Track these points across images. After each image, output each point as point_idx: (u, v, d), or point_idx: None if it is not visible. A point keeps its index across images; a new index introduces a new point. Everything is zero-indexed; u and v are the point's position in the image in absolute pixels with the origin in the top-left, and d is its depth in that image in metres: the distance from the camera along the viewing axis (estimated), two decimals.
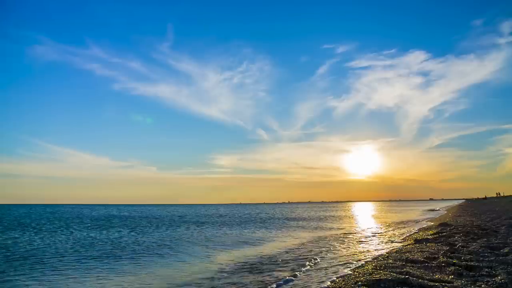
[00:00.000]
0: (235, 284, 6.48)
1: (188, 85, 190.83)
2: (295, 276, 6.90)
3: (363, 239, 13.24)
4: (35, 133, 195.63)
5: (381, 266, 5.86)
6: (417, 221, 22.95)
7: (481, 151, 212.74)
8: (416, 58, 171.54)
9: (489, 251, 6.83)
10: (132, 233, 17.24)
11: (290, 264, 8.27)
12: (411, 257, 6.73)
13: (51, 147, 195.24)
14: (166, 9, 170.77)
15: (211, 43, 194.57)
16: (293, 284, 6.27)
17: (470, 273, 5.21)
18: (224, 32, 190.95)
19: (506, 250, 6.77)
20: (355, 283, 4.88)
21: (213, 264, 8.74)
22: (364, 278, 5.04)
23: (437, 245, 8.34)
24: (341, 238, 13.85)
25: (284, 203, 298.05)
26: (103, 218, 33.01)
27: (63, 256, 10.03)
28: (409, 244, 9.59)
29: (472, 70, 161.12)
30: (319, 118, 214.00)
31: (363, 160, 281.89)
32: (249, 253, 10.54)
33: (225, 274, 7.38)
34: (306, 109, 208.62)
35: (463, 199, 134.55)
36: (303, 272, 7.22)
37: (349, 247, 10.98)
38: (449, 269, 5.51)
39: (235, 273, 7.43)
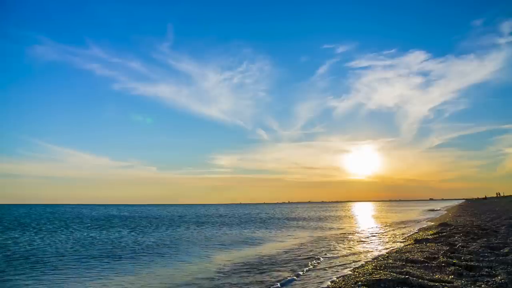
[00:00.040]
0: (235, 284, 6.48)
1: (188, 85, 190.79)
2: (295, 276, 6.90)
3: (363, 239, 13.24)
4: (35, 133, 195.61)
5: (381, 266, 5.86)
6: (417, 221, 22.96)
7: (481, 151, 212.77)
8: (416, 58, 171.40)
9: (489, 251, 6.83)
10: (132, 233, 17.24)
11: (290, 264, 8.27)
12: (411, 257, 6.73)
13: (51, 147, 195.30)
14: (166, 9, 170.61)
15: (211, 43, 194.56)
16: (294, 285, 6.27)
17: (470, 273, 5.21)
18: (224, 32, 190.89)
19: (506, 250, 6.77)
20: (355, 283, 4.89)
21: (213, 264, 8.74)
22: (364, 278, 5.04)
23: (437, 245, 8.34)
24: (341, 238, 13.85)
25: (284, 203, 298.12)
26: (103, 218, 33.01)
27: (63, 256, 10.03)
28: (409, 244, 9.59)
29: (472, 70, 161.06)
30: (319, 118, 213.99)
31: (363, 160, 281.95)
32: (249, 253, 10.54)
33: (225, 274, 7.37)
34: (306, 109, 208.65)
35: (463, 199, 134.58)
36: (304, 272, 7.22)
37: (349, 247, 10.98)
38: (449, 269, 5.51)
39: (235, 273, 7.43)
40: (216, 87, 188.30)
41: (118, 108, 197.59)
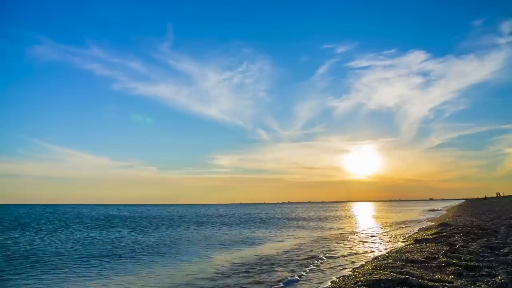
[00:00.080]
0: (235, 284, 6.48)
1: (188, 85, 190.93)
2: (298, 276, 6.90)
3: (363, 239, 13.24)
4: (35, 133, 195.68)
5: (381, 266, 5.86)
6: (417, 221, 22.95)
7: (481, 151, 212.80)
8: (416, 58, 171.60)
9: (489, 251, 6.83)
10: (132, 233, 17.24)
11: (290, 265, 8.27)
12: (411, 257, 6.73)
13: (51, 147, 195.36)
14: (166, 9, 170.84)
15: (211, 43, 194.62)
16: (296, 285, 6.27)
17: (470, 273, 5.21)
18: (224, 32, 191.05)
19: (506, 250, 6.78)
20: (355, 283, 4.89)
21: (213, 264, 8.74)
22: (364, 278, 5.04)
23: (437, 245, 8.34)
24: (341, 238, 13.85)
25: (284, 203, 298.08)
26: (103, 218, 33.01)
27: (63, 256, 10.03)
28: (409, 244, 9.59)
29: (472, 70, 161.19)
30: (319, 118, 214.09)
31: (363, 160, 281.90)
32: (249, 253, 10.54)
33: (225, 274, 7.37)
34: (306, 109, 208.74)
35: (463, 199, 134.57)
36: (304, 273, 7.22)
37: (349, 247, 10.98)
38: (449, 269, 5.51)
39: (235, 273, 7.43)
40: (216, 87, 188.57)
41: (118, 108, 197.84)
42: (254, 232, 17.36)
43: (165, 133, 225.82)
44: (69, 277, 7.42)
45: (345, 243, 12.26)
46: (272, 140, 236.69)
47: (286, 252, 10.30)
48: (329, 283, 5.67)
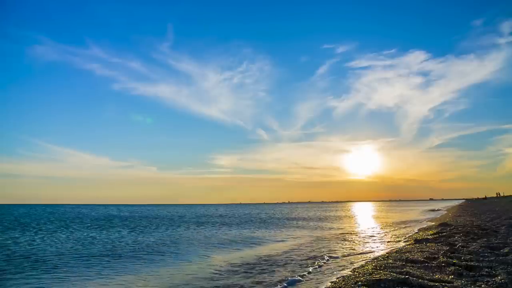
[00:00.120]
0: (235, 284, 6.48)
1: (188, 85, 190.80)
2: (297, 277, 6.90)
3: (363, 239, 13.24)
4: (35, 133, 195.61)
5: (381, 266, 5.86)
6: (417, 221, 22.95)
7: (481, 151, 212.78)
8: (416, 58, 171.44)
9: (489, 251, 6.83)
10: (132, 233, 17.24)
11: (290, 265, 8.27)
12: (411, 257, 6.73)
13: (51, 147, 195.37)
14: (166, 9, 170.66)
15: (211, 43, 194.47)
16: (296, 285, 6.27)
17: (470, 273, 5.21)
18: (224, 32, 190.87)
19: (506, 250, 6.77)
20: (355, 283, 4.89)
21: (213, 264, 8.74)
22: (364, 278, 5.04)
23: (437, 245, 8.34)
24: (341, 238, 13.85)
25: (284, 203, 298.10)
26: (103, 218, 33.01)
27: (63, 256, 10.03)
28: (409, 244, 9.59)
29: (472, 70, 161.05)
30: (319, 118, 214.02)
31: (363, 160, 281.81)
32: (249, 253, 10.54)
33: (225, 274, 7.37)
34: (306, 109, 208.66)
35: (463, 199, 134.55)
36: (304, 273, 7.22)
37: (349, 247, 10.99)
38: (449, 269, 5.51)
39: (235, 274, 7.43)
40: (216, 87, 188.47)
41: (118, 108, 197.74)
42: (254, 232, 17.36)
43: (165, 133, 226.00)
44: (69, 277, 7.42)
45: (345, 243, 12.26)
46: (272, 140, 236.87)
47: (286, 252, 10.30)
48: (329, 283, 5.67)
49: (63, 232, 17.82)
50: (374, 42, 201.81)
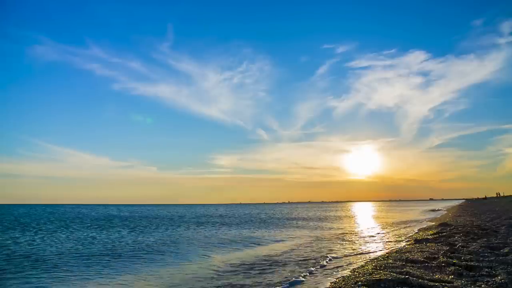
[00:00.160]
0: (235, 284, 6.48)
1: (188, 85, 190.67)
2: (297, 277, 6.90)
3: (363, 240, 13.24)
4: (35, 133, 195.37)
5: (381, 266, 5.86)
6: (417, 221, 22.95)
7: (481, 151, 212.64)
8: (416, 58, 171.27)
9: (489, 251, 6.83)
10: (132, 233, 17.24)
11: (290, 265, 8.27)
12: (411, 257, 6.73)
13: (51, 147, 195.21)
14: (166, 9, 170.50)
15: (211, 43, 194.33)
16: (297, 285, 6.27)
17: (470, 273, 5.21)
18: (224, 32, 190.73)
19: (506, 250, 6.78)
20: (355, 283, 4.89)
21: (213, 264, 8.74)
22: (364, 278, 5.04)
23: (437, 245, 8.34)
24: (341, 238, 13.85)
25: (284, 203, 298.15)
26: (103, 218, 33.02)
27: (63, 255, 10.03)
28: (409, 244, 9.59)
29: (472, 70, 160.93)
30: (319, 118, 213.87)
31: (363, 160, 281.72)
32: (249, 253, 10.55)
33: (225, 275, 7.38)
34: (306, 109, 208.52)
35: (463, 199, 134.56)
36: (304, 273, 7.22)
37: (349, 247, 10.99)
38: (449, 269, 5.51)
39: (235, 274, 7.43)
40: (216, 87, 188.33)
41: (118, 108, 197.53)
42: (254, 232, 17.36)
43: (165, 133, 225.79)
44: (69, 276, 7.42)
45: (345, 243, 12.26)
46: (272, 140, 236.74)
47: (286, 252, 10.30)
48: (329, 283, 5.67)
49: (63, 232, 17.82)
50: (374, 42, 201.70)
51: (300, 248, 11.26)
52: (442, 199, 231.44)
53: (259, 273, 7.31)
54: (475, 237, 9.27)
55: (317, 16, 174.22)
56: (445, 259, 6.26)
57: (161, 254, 10.45)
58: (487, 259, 6.04)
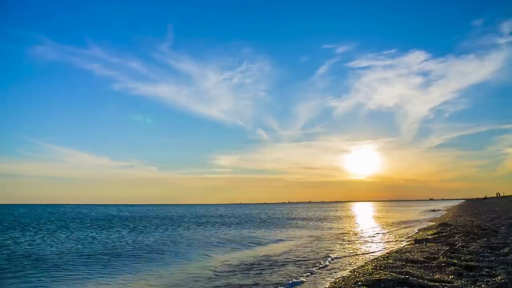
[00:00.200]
0: (234, 285, 6.48)
1: (188, 85, 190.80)
2: (296, 277, 6.90)
3: (363, 239, 13.24)
4: (35, 133, 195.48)
5: (381, 266, 5.86)
6: (417, 221, 22.95)
7: (481, 151, 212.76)
8: (416, 58, 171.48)
9: (489, 251, 6.83)
10: (132, 233, 17.24)
11: (290, 265, 8.27)
12: (411, 257, 6.73)
13: (51, 147, 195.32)
14: (166, 9, 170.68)
15: (211, 43, 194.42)
16: (295, 286, 6.27)
17: (470, 273, 5.21)
18: (224, 32, 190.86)
19: (506, 250, 6.77)
20: (355, 283, 4.89)
21: (213, 264, 8.74)
22: (364, 278, 5.04)
23: (437, 245, 8.34)
24: (341, 239, 13.85)
25: (284, 203, 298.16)
26: (103, 218, 33.02)
27: (63, 255, 10.03)
28: (409, 244, 9.60)
29: (472, 70, 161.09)
30: (319, 118, 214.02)
31: (363, 160, 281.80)
32: (249, 253, 10.54)
33: (224, 275, 7.37)
34: (306, 109, 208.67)
35: (463, 199, 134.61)
36: (304, 274, 7.22)
37: (349, 248, 10.99)
38: (449, 269, 5.51)
39: (235, 274, 7.43)
40: (216, 87, 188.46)
41: (118, 108, 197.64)
42: (254, 232, 17.35)
43: (165, 133, 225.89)
44: (70, 276, 7.42)
45: (345, 243, 12.26)
46: (272, 140, 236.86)
47: (286, 253, 10.30)
48: (329, 283, 5.67)
49: (63, 232, 17.81)
50: (374, 42, 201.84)
51: (300, 248, 11.26)
52: (442, 199, 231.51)
53: (259, 273, 7.31)
54: (475, 237, 9.27)
55: (317, 16, 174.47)
56: (445, 259, 6.26)
57: (161, 254, 10.44)
58: (487, 259, 6.03)
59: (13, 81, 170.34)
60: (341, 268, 7.47)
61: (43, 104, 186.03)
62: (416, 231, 15.12)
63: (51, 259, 9.51)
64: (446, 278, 4.97)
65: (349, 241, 12.90)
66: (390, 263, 6.16)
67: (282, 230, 18.75)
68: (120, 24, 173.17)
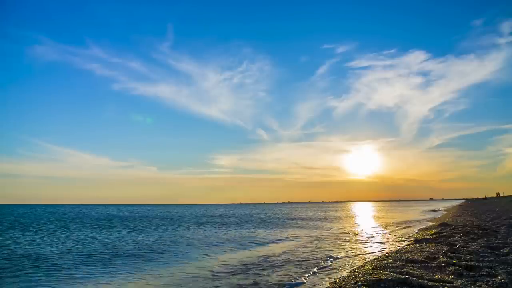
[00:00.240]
0: (234, 285, 6.48)
1: (188, 85, 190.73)
2: (296, 278, 6.90)
3: (363, 239, 13.24)
4: (35, 133, 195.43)
5: (381, 266, 5.86)
6: (417, 221, 22.95)
7: (481, 151, 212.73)
8: (416, 58, 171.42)
9: (489, 251, 6.83)
10: (132, 233, 17.24)
11: (289, 265, 8.27)
12: (411, 257, 6.73)
13: (51, 147, 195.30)
14: (166, 9, 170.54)
15: (211, 43, 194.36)
16: (295, 287, 6.27)
17: (470, 273, 5.21)
18: (224, 32, 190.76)
19: (506, 250, 6.77)
20: (355, 283, 4.89)
21: (212, 264, 8.74)
22: (364, 278, 5.04)
23: (437, 245, 8.34)
24: (341, 239, 13.85)
25: (284, 203, 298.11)
26: (103, 218, 33.01)
27: (63, 255, 10.03)
28: (409, 244, 9.60)
29: (472, 70, 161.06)
30: (319, 118, 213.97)
31: (363, 160, 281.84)
32: (249, 253, 10.54)
33: (224, 275, 7.37)
34: (306, 109, 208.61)
35: (463, 199, 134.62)
36: (304, 274, 7.21)
37: (349, 248, 10.98)
38: (449, 269, 5.51)
39: (235, 274, 7.43)
40: (216, 87, 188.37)
41: (118, 108, 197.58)
42: (254, 232, 17.35)
43: (165, 133, 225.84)
44: (70, 276, 7.42)
45: (345, 243, 12.26)
46: (272, 140, 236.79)
47: (285, 253, 10.30)
48: (329, 283, 5.67)
49: (63, 232, 17.81)
50: (374, 42, 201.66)
51: (300, 248, 11.26)
52: (442, 199, 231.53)
53: (259, 274, 7.31)
54: (475, 237, 9.26)
55: (317, 16, 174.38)
56: (445, 259, 6.26)
57: (161, 254, 10.44)
58: (487, 259, 6.03)
59: (13, 81, 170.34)
60: (341, 268, 7.47)
61: (43, 104, 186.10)
62: (416, 231, 15.12)
63: (51, 258, 9.51)
64: (446, 278, 4.97)
65: (349, 241, 12.89)
66: (390, 263, 6.16)
67: (282, 230, 18.75)
68: (120, 24, 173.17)
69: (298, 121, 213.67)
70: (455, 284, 4.60)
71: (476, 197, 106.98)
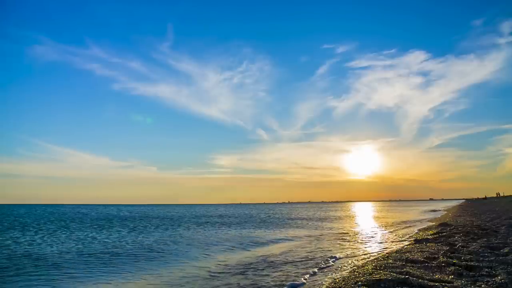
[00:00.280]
0: (233, 285, 6.48)
1: (188, 85, 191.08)
2: (296, 278, 6.90)
3: (363, 240, 13.24)
4: (35, 133, 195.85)
5: (381, 266, 5.86)
6: (417, 221, 22.95)
7: (481, 151, 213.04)
8: (416, 58, 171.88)
9: (489, 251, 6.83)
10: (132, 233, 17.24)
11: (289, 265, 8.27)
12: (411, 257, 6.73)
13: (51, 147, 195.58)
14: (166, 9, 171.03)
15: (211, 43, 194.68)
16: (295, 286, 6.27)
17: (470, 273, 5.21)
18: (224, 32, 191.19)
19: (506, 250, 6.77)
20: (355, 283, 4.88)
21: (212, 264, 8.74)
22: (364, 278, 5.04)
23: (437, 245, 8.34)
24: (341, 239, 13.84)
25: (284, 203, 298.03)
26: (103, 218, 33.01)
27: (63, 255, 10.03)
28: (409, 244, 9.59)
29: (472, 70, 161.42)
30: (319, 118, 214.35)
31: (363, 160, 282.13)
32: (248, 253, 10.54)
33: (224, 275, 7.37)
34: (306, 109, 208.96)
35: (463, 199, 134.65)
36: (304, 274, 7.21)
37: (349, 248, 10.98)
38: (449, 269, 5.51)
39: (234, 274, 7.43)
40: (216, 87, 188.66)
41: (118, 108, 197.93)
42: (254, 232, 17.35)
43: (165, 133, 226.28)
44: (70, 276, 7.42)
45: (345, 243, 12.26)
46: (272, 140, 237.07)
47: (285, 253, 10.30)
48: (329, 283, 5.66)
49: (63, 232, 17.81)
50: (374, 42, 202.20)
51: (300, 248, 11.26)
52: (442, 199, 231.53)
53: (259, 274, 7.31)
54: (475, 237, 9.26)
55: (317, 16, 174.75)
56: (445, 259, 6.26)
57: (161, 253, 10.44)
58: (487, 259, 6.03)
59: (13, 81, 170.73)
60: (341, 268, 7.47)
61: (43, 104, 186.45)
62: (416, 231, 15.12)
63: (51, 258, 9.51)
64: (446, 278, 4.97)
65: (349, 241, 12.89)
66: (390, 263, 6.16)
67: (282, 230, 18.74)
68: (120, 24, 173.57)
69: (298, 121, 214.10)
70: (455, 284, 4.60)
71: (476, 197, 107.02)
